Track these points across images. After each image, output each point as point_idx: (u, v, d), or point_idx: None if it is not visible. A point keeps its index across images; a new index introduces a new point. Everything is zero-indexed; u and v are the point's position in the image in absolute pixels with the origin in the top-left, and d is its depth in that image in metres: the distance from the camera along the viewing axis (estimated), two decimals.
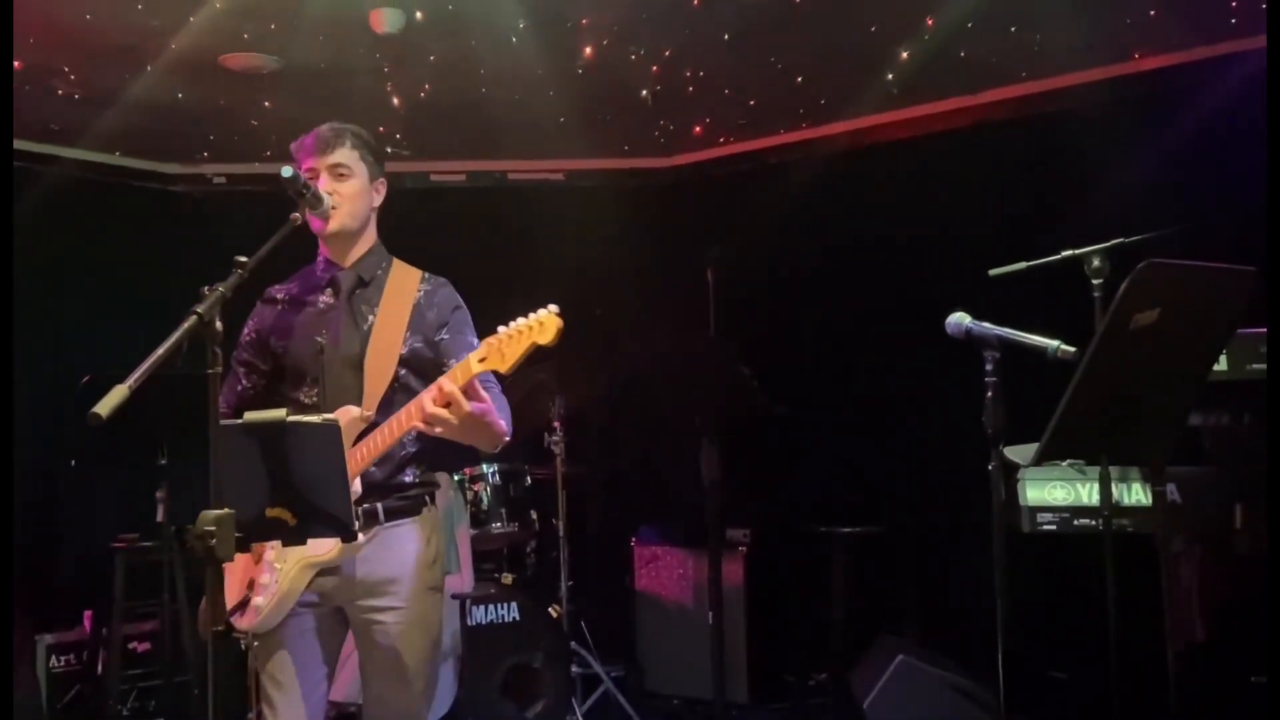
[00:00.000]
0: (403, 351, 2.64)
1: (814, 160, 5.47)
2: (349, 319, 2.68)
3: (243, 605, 2.54)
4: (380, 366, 2.62)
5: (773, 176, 5.62)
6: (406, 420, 2.47)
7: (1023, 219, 4.59)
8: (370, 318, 2.68)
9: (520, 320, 2.33)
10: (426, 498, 2.72)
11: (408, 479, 2.68)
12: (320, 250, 2.76)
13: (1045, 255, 3.05)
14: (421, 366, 2.66)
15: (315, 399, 2.64)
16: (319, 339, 2.65)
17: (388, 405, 2.59)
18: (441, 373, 2.55)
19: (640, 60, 4.58)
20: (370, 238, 2.77)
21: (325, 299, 2.72)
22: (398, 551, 2.63)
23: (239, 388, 2.78)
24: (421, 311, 2.70)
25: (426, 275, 2.77)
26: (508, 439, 2.61)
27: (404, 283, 2.73)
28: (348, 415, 2.53)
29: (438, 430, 2.42)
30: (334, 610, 2.66)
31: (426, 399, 2.41)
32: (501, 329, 2.35)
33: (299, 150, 2.69)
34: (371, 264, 2.74)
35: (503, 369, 2.33)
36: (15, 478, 4.16)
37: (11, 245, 3.75)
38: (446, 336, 2.69)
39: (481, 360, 2.35)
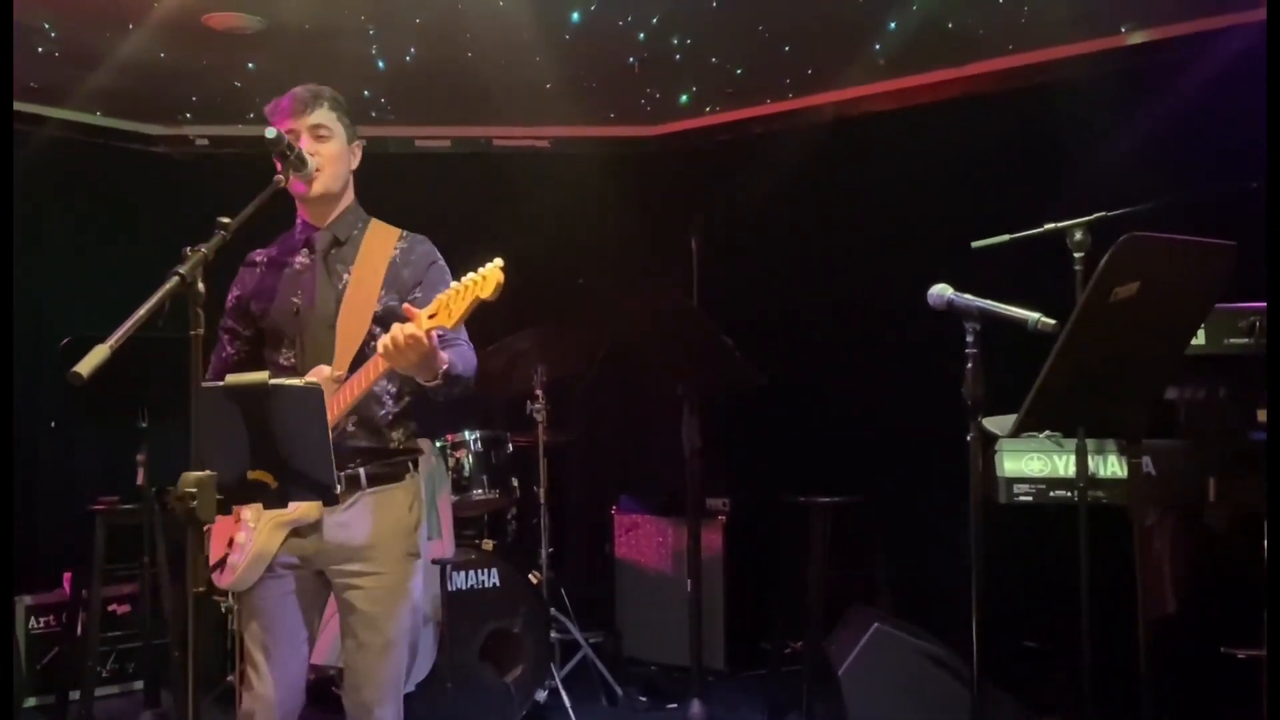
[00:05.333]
0: (377, 310, 2.62)
1: (800, 130, 5.46)
2: (325, 278, 2.67)
3: (221, 564, 2.55)
4: (353, 325, 2.60)
5: (759, 146, 5.60)
6: (374, 370, 2.46)
7: (1007, 191, 4.58)
8: (345, 277, 2.66)
9: (468, 275, 2.34)
10: (410, 464, 2.72)
11: (392, 444, 2.67)
12: (299, 213, 2.74)
13: (1029, 228, 3.05)
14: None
15: (294, 361, 2.63)
16: (295, 300, 2.65)
17: (360, 365, 2.57)
18: None
19: (628, 27, 4.55)
20: (348, 199, 2.74)
21: (301, 260, 2.70)
22: (379, 517, 2.63)
23: (224, 354, 2.77)
24: (397, 269, 2.68)
25: (404, 234, 2.75)
26: (471, 381, 2.62)
27: (380, 241, 2.71)
28: (319, 375, 2.53)
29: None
30: (315, 574, 2.66)
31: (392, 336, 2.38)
32: (453, 283, 2.36)
33: (275, 113, 2.65)
34: (348, 223, 2.72)
35: (449, 325, 2.34)
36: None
37: (11, 243, 3.70)
38: (419, 295, 2.66)
39: (431, 317, 2.37)
